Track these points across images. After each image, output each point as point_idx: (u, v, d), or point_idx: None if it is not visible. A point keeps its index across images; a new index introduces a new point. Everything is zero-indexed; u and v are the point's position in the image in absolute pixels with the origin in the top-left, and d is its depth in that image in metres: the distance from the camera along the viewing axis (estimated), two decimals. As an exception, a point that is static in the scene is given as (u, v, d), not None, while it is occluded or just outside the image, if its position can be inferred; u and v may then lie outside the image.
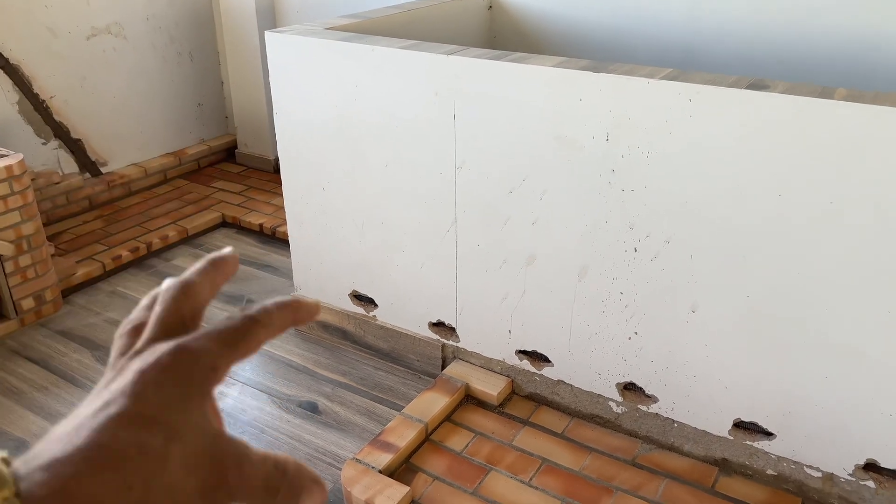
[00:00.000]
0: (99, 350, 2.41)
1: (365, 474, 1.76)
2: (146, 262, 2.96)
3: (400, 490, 1.71)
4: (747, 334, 1.66)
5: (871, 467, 1.63)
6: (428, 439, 1.94)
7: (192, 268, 0.39)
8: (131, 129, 3.49)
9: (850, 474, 1.66)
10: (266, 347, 2.41)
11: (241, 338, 0.35)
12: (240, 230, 3.22)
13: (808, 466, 1.71)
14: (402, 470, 1.85)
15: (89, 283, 2.78)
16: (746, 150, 1.51)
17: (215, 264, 0.40)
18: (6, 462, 0.30)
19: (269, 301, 0.37)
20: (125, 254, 2.89)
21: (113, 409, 0.31)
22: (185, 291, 0.38)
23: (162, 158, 3.60)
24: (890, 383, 1.53)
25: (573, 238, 1.81)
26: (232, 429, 2.05)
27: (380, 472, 1.78)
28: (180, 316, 0.37)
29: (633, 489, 1.77)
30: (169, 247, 3.05)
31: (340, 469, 1.89)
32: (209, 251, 2.98)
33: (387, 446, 1.85)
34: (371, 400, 2.17)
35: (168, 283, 0.38)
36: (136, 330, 0.37)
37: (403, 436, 1.89)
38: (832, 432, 1.64)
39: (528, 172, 1.81)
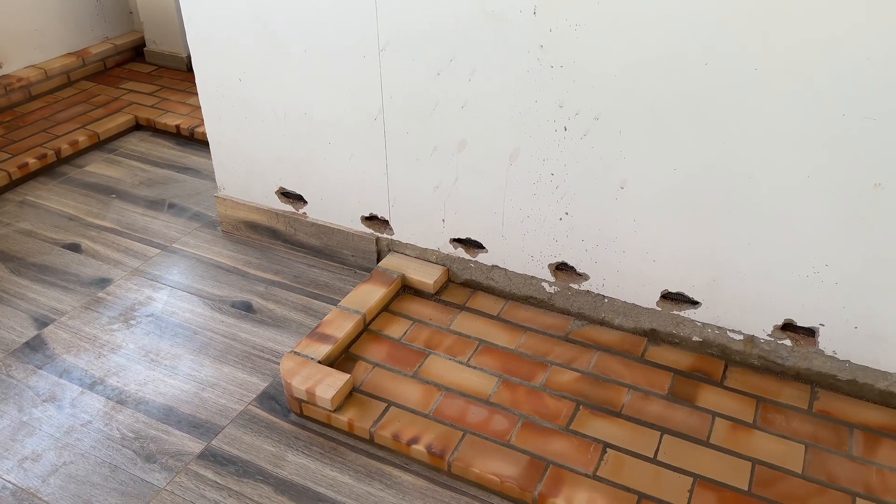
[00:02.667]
0: (13, 261, 2.28)
1: (304, 366, 1.76)
2: (57, 169, 2.79)
3: (340, 378, 1.72)
4: (675, 206, 1.69)
5: (788, 327, 1.73)
6: (366, 329, 1.95)
7: None
8: (25, 26, 3.19)
9: (769, 335, 1.75)
10: (193, 251, 2.34)
11: None
12: (155, 133, 3.05)
13: (730, 330, 1.79)
14: (341, 360, 1.85)
15: (-5, 193, 2.61)
16: (673, 18, 1.48)
17: None
18: None
19: None
20: (32, 161, 2.71)
21: None
22: None
23: (63, 59, 3.33)
24: (807, 246, 1.59)
25: (503, 120, 1.78)
26: (163, 332, 2.01)
27: (319, 362, 1.78)
28: None
29: (567, 362, 1.83)
30: (80, 152, 2.87)
31: (279, 364, 1.89)
32: (125, 156, 2.84)
33: (325, 338, 1.85)
34: (306, 296, 2.15)
35: None
36: None
37: (341, 327, 1.89)
38: (753, 296, 1.72)
39: (456, 52, 1.74)
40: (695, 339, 1.85)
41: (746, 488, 1.51)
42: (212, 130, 2.25)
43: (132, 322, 2.05)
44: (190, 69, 3.43)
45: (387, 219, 2.12)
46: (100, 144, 2.94)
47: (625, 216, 1.76)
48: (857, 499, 1.48)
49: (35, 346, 1.96)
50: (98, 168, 2.80)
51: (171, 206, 2.57)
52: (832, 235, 1.56)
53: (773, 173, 1.54)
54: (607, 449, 1.60)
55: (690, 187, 1.65)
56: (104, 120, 3.01)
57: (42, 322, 2.04)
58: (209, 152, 2.31)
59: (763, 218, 1.61)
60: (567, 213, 1.84)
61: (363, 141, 2.00)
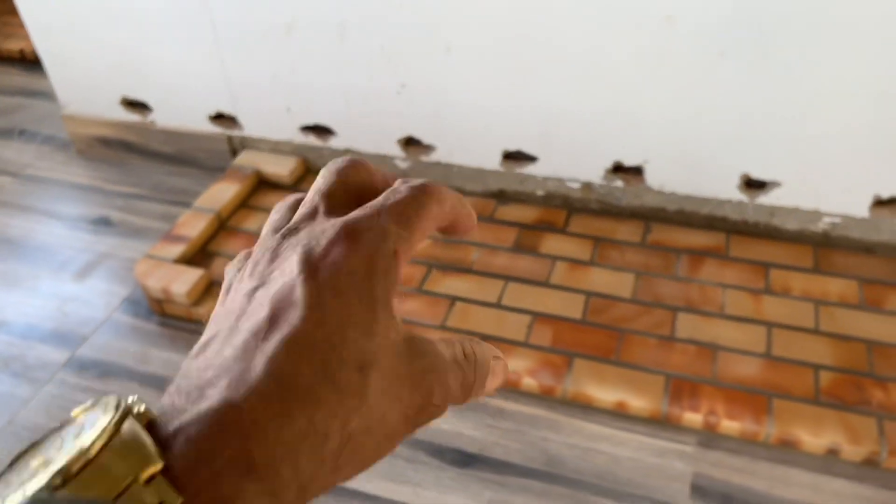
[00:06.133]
0: None
1: (158, 267, 1.78)
2: None
3: (194, 273, 1.75)
4: (499, 63, 1.73)
5: (618, 169, 1.82)
6: (224, 227, 1.97)
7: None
8: None
9: (602, 179, 1.84)
10: (47, 174, 2.28)
11: (417, 212, 0.27)
12: (0, 62, 2.89)
13: (568, 180, 1.88)
14: (198, 258, 1.88)
15: None
16: None
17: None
18: (145, 417, 0.22)
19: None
20: None
21: (287, 331, 0.23)
22: (354, 165, 0.30)
23: None
24: (621, 86, 1.66)
25: (323, -5, 1.76)
26: (20, 257, 1.98)
27: (174, 262, 1.80)
28: (347, 189, 0.29)
29: (420, 231, 1.90)
30: (-83, 90, 2.71)
31: (138, 269, 1.90)
32: (-33, 88, 2.69)
33: (179, 239, 1.86)
34: (166, 204, 2.14)
35: (338, 160, 0.30)
36: (297, 206, 0.30)
37: (195, 226, 1.90)
38: (582, 144, 1.80)
39: (262, -71, 1.69)
40: (539, 193, 1.93)
41: (580, 317, 1.63)
42: (40, 45, 2.16)
43: (-13, 251, 2.01)
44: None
45: (233, 115, 2.10)
46: (-61, 79, 2.78)
47: (456, 79, 1.79)
48: (679, 313, 1.62)
49: None
50: (-60, 104, 2.66)
51: (22, 132, 2.48)
52: (640, 74, 1.63)
53: (577, 19, 1.59)
54: (455, 302, 1.69)
55: (511, 40, 1.68)
56: (-60, 52, 2.84)
57: None
58: (51, 72, 2.22)
59: (577, 66, 1.66)
60: (403, 85, 1.86)
61: (192, 34, 1.95)
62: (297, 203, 0.30)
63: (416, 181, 0.29)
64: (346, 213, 0.27)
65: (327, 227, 0.26)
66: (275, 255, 0.26)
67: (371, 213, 0.26)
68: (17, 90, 2.71)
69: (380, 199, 0.27)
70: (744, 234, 1.79)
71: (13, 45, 2.85)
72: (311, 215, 0.27)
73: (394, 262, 0.26)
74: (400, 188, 0.28)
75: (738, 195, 1.74)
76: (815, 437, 1.39)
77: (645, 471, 1.41)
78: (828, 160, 1.62)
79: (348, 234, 0.25)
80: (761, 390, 1.47)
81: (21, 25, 2.97)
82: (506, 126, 1.83)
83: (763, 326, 1.58)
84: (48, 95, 2.65)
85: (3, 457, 1.50)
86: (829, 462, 1.40)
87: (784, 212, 1.73)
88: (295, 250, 0.25)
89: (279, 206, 0.30)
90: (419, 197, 0.28)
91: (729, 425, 1.43)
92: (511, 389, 1.54)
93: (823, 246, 1.75)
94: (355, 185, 0.29)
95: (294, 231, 0.27)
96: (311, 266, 0.24)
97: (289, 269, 0.25)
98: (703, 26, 1.51)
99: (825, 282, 1.68)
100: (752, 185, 1.72)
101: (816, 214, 1.72)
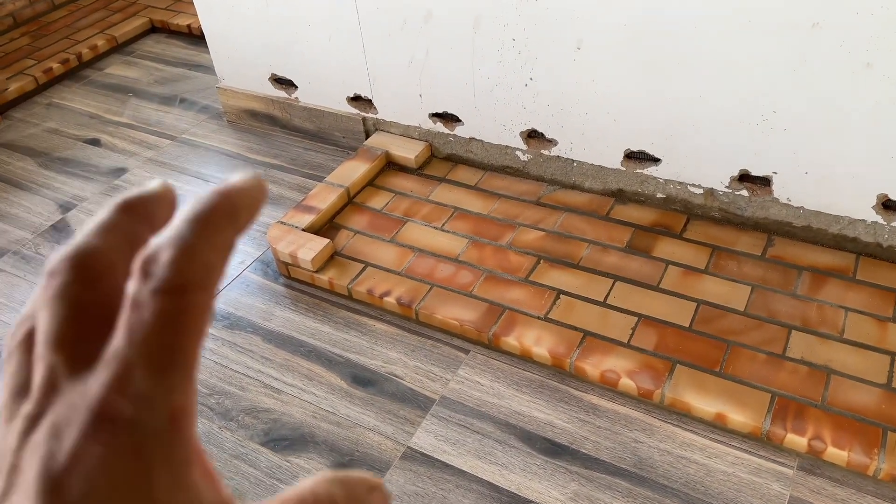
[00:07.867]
0: (41, 157, 2.50)
1: (289, 233, 1.92)
2: (79, 73, 2.97)
3: (320, 242, 1.87)
4: (627, 62, 1.72)
5: (744, 177, 1.77)
6: (351, 202, 2.08)
7: (94, 222, 0.22)
8: (41, -62, 3.32)
9: (726, 186, 1.80)
10: (201, 140, 2.50)
11: (177, 341, 0.19)
12: (170, 34, 3.18)
13: (691, 185, 1.85)
14: (325, 229, 2.00)
15: (24, 97, 2.81)
16: None
17: (129, 209, 0.23)
18: None
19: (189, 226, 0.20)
20: (56, 66, 2.89)
21: None
22: (81, 268, 0.21)
23: (81, -32, 3.46)
24: (755, 93, 1.61)
25: (462, -13, 1.82)
26: (171, 212, 2.19)
27: (303, 230, 1.93)
28: (86, 317, 0.21)
29: (535, 223, 1.93)
30: (100, 56, 3.04)
31: (271, 234, 2.05)
32: (141, 57, 2.99)
33: (309, 209, 2.00)
34: (302, 177, 2.29)
35: (56, 263, 0.21)
36: (30, 343, 0.21)
37: (325, 199, 2.03)
38: (709, 149, 1.76)
39: (412, -79, 1.78)
40: (659, 195, 1.91)
41: (687, 325, 1.61)
42: (205, 22, 2.36)
43: (144, 205, 2.24)
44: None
45: (370, 98, 2.21)
46: (118, 48, 3.09)
47: (583, 76, 1.81)
48: (793, 331, 1.57)
49: (60, 228, 2.18)
50: (117, 70, 2.97)
51: (182, 100, 2.73)
52: (777, 80, 1.57)
53: (717, 18, 1.55)
54: (560, 295, 1.72)
55: (640, 40, 1.67)
56: (121, 24, 3.16)
57: (66, 207, 2.26)
58: (212, 47, 2.44)
59: (710, 68, 1.63)
60: (531, 79, 1.89)
61: (338, 19, 2.07)
62: (30, 338, 0.21)
63: (158, 268, 0.19)
64: (95, 353, 0.20)
65: (72, 416, 0.19)
66: (14, 467, 0.20)
67: (119, 374, 0.19)
68: (181, 62, 2.97)
69: (121, 336, 0.19)
70: (876, 258, 1.69)
71: (182, 21, 3.13)
72: (50, 386, 0.20)
73: (173, 435, 0.19)
74: (142, 299, 0.19)
75: (874, 216, 1.65)
76: (931, 479, 1.31)
77: (738, 486, 1.38)
78: (982, 187, 1.51)
79: (99, 426, 0.18)
80: (876, 422, 1.39)
81: (190, 3, 3.25)
82: (630, 125, 1.83)
83: (886, 356, 1.50)
84: (208, 69, 2.89)
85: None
86: (944, 507, 1.31)
87: (925, 238, 1.62)
88: (34, 460, 0.19)
89: (12, 345, 0.22)
90: (171, 313, 0.19)
91: (835, 453, 1.37)
92: (608, 388, 1.55)
93: (968, 279, 1.63)
94: (94, 304, 0.21)
95: (33, 423, 0.20)
96: (53, 487, 0.18)
97: (26, 490, 0.19)
98: (850, 35, 1.44)
99: (965, 317, 1.56)
100: (891, 206, 1.62)
101: (963, 244, 1.60)
